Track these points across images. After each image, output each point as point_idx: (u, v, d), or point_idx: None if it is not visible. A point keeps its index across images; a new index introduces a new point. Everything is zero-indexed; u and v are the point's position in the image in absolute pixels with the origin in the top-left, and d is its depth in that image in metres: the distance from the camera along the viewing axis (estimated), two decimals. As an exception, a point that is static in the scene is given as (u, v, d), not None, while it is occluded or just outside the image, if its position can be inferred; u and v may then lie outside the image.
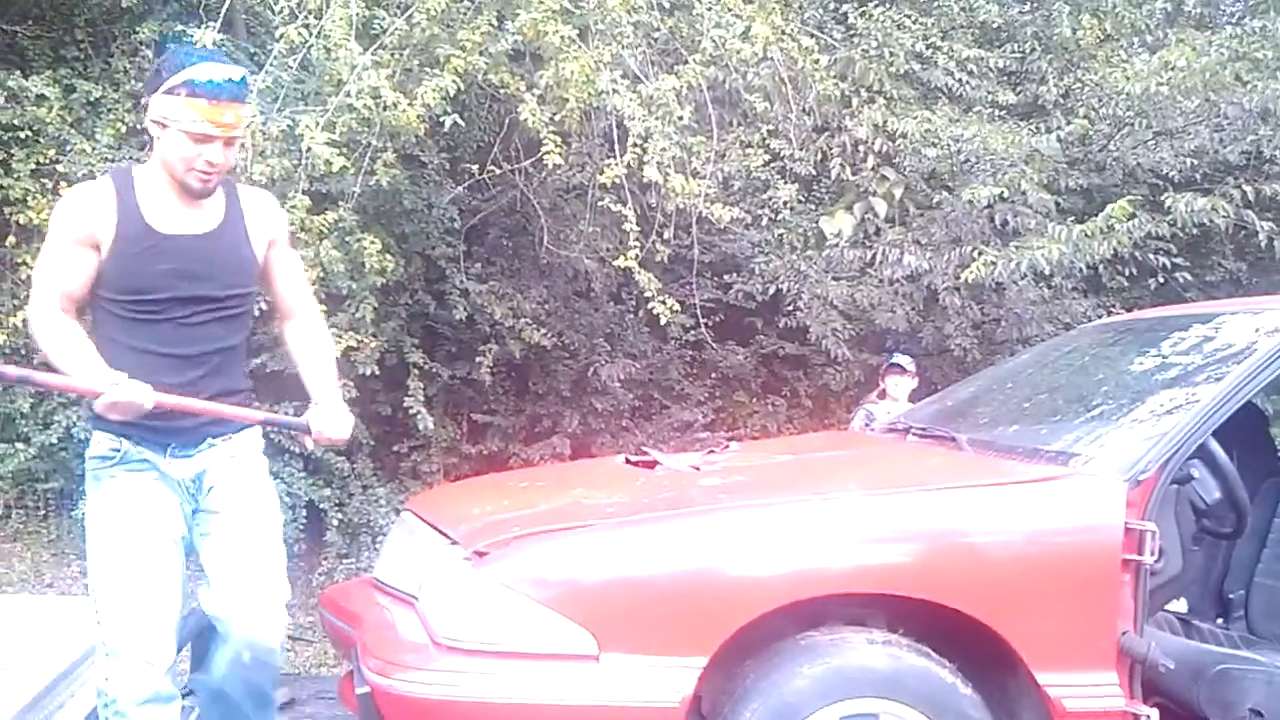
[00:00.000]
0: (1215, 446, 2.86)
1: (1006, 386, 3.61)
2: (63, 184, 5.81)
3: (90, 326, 2.39)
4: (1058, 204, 7.36)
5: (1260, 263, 7.53)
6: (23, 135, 5.81)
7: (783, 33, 4.95)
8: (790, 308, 7.22)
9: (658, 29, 4.93)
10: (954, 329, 7.69)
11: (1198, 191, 6.79)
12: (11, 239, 5.82)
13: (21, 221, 5.63)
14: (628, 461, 3.24)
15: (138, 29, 6.12)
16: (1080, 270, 7.39)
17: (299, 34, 4.34)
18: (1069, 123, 7.20)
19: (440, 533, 2.71)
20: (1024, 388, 3.52)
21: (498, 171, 5.39)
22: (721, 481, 2.96)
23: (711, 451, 3.39)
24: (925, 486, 2.66)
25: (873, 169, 7.07)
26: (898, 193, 7.17)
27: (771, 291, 7.49)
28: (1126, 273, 7.72)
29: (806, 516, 2.54)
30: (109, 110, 6.11)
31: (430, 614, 2.48)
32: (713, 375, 7.99)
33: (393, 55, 4.65)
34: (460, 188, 5.63)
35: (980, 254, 5.81)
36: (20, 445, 5.95)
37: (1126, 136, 7.70)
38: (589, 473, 3.62)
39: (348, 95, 4.29)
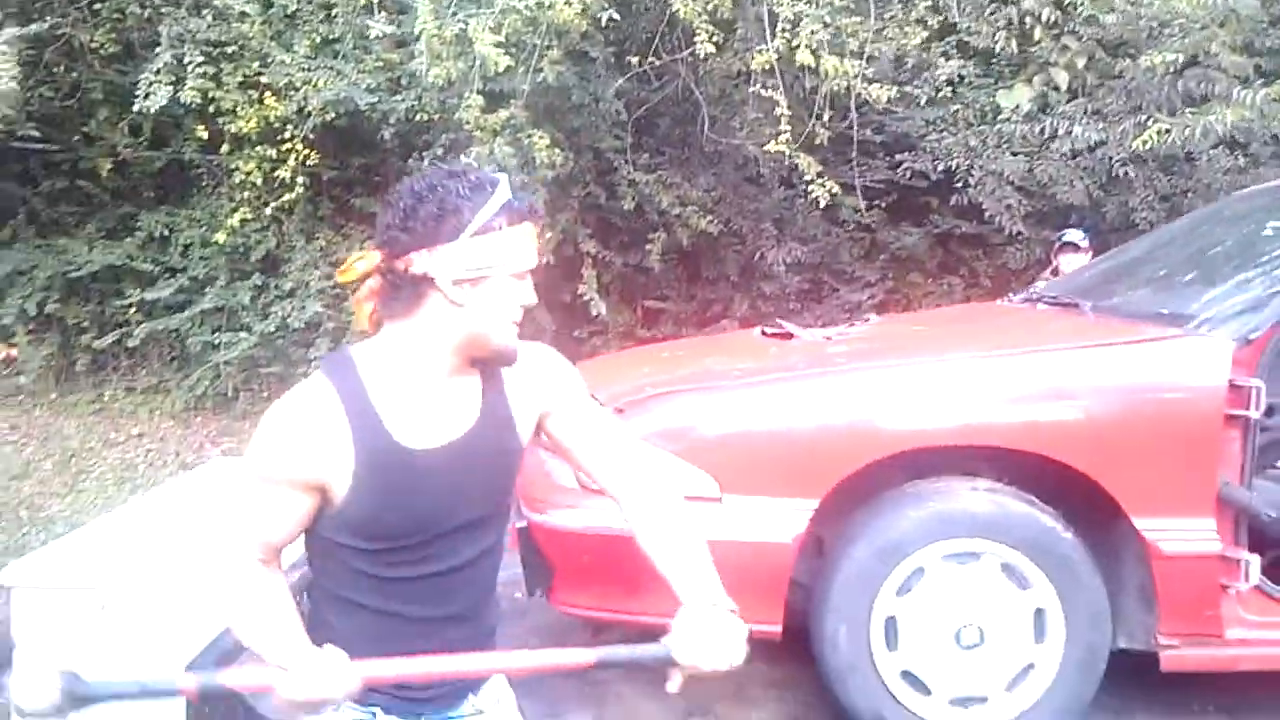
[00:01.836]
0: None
1: (1149, 254, 3.63)
2: (267, 94, 6.39)
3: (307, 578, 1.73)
4: (1258, 67, 6.99)
5: None
6: (230, 50, 6.38)
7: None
8: (963, 185, 7.16)
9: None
10: (1140, 202, 7.46)
11: None
12: (225, 147, 6.45)
13: (233, 130, 6.23)
14: (763, 334, 3.48)
15: (329, -59, 6.57)
16: (1276, 137, 7.04)
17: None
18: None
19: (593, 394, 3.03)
20: (1163, 255, 3.54)
21: (657, 63, 5.59)
22: (848, 348, 3.17)
23: (851, 324, 3.59)
24: (1037, 347, 2.80)
25: (1054, 38, 6.90)
26: (1080, 62, 6.97)
27: (944, 169, 7.44)
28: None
29: (919, 375, 2.74)
30: (304, 22, 6.61)
31: (577, 462, 2.83)
32: (884, 256, 8.03)
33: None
34: (621, 80, 5.85)
35: (1155, 121, 5.63)
36: (244, 334, 6.65)
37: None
38: (727, 343, 3.88)
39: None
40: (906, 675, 2.64)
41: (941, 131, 7.28)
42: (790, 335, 3.38)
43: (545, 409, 1.71)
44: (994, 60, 7.55)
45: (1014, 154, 7.17)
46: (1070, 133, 6.20)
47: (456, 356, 1.60)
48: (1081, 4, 5.99)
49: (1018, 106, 6.86)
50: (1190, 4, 6.40)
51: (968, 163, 7.13)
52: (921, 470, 2.71)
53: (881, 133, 7.58)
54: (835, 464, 2.61)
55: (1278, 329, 2.64)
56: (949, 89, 6.88)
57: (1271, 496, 2.72)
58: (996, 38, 6.67)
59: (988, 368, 2.75)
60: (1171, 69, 6.62)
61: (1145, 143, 5.71)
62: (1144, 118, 6.13)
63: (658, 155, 7.02)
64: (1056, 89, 6.92)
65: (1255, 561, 2.61)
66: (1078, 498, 2.67)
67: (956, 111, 7.42)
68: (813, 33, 4.63)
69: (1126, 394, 2.66)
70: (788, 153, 5.05)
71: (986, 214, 7.23)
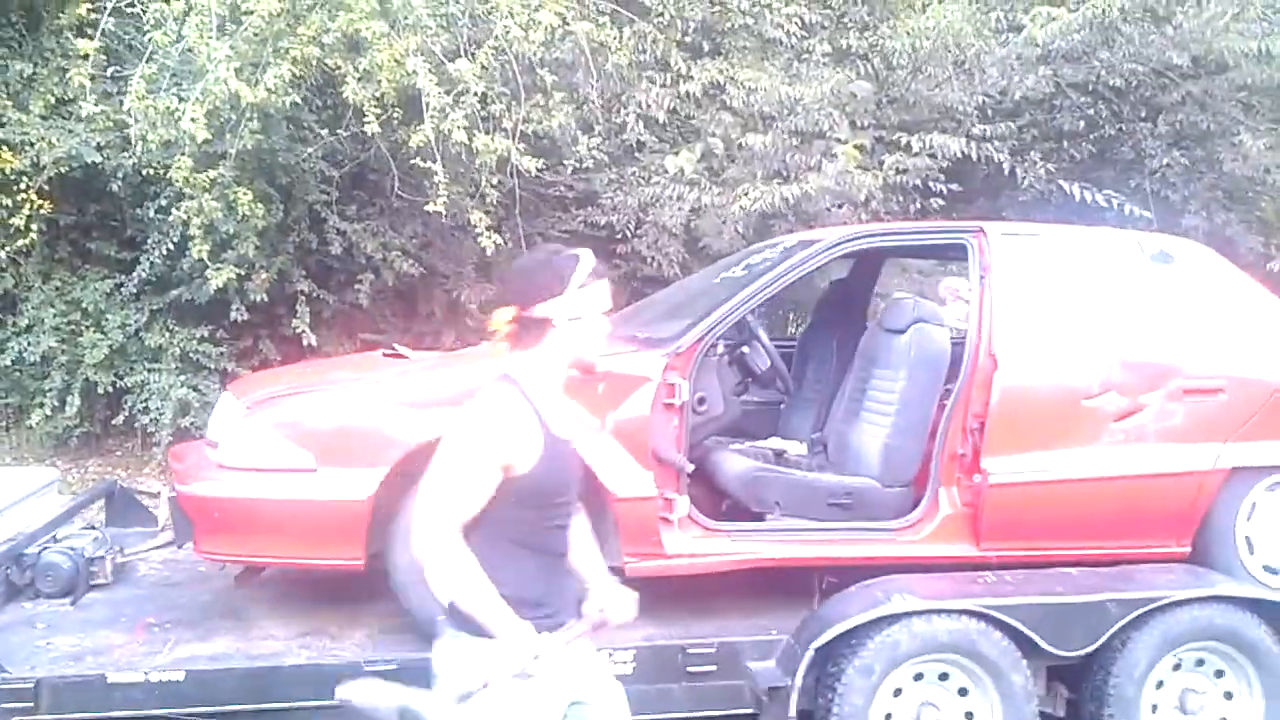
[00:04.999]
0: (761, 332, 4.25)
1: (666, 296, 4.97)
2: (3, 149, 7.11)
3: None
4: (880, 138, 8.63)
5: (1033, 191, 8.73)
6: (-34, 110, 7.08)
7: (564, 20, 6.18)
8: (623, 236, 8.49)
9: (460, 19, 6.17)
10: (781, 250, 8.96)
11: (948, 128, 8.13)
12: (-39, 199, 7.13)
13: (-34, 183, 6.94)
14: (384, 354, 4.59)
15: (62, 13, 7.34)
16: (896, 198, 8.63)
17: (165, 36, 5.61)
18: (881, 67, 8.50)
19: (235, 398, 4.07)
20: (671, 296, 4.87)
21: (345, 134, 6.68)
22: (426, 364, 4.31)
23: (452, 349, 4.74)
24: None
25: (711, 113, 8.37)
26: (734, 134, 8.44)
27: (624, 221, 8.75)
28: (935, 203, 8.89)
29: (445, 378, 3.91)
30: (40, 84, 7.35)
31: (217, 446, 3.85)
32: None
33: (249, 47, 5.88)
34: (309, 150, 6.91)
35: (747, 191, 7.10)
36: (-24, 368, 7.29)
37: (925, 79, 8.91)
38: (353, 362, 4.98)
39: (207, 84, 5.55)
40: (452, 588, 3.76)
41: (616, 189, 8.60)
42: (401, 355, 4.50)
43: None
44: (667, 128, 8.97)
45: (679, 209, 8.54)
46: (689, 197, 7.54)
47: (564, 370, 2.44)
48: (693, 93, 7.42)
49: (681, 169, 8.26)
50: (807, 92, 7.99)
51: (637, 216, 8.47)
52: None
53: (573, 190, 8.90)
54: (395, 444, 3.71)
55: (697, 346, 3.94)
56: (635, 151, 8.24)
57: (724, 461, 4.06)
58: (660, 113, 8.08)
59: (484, 370, 3.90)
60: (794, 142, 8.18)
61: (742, 207, 7.19)
62: (747, 185, 7.57)
63: (368, 206, 8.08)
64: (715, 155, 8.38)
65: (684, 500, 3.88)
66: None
67: (633, 172, 8.76)
68: (461, 119, 5.79)
69: (594, 387, 3.86)
70: (444, 213, 6.19)
71: (650, 259, 8.57)
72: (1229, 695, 3.99)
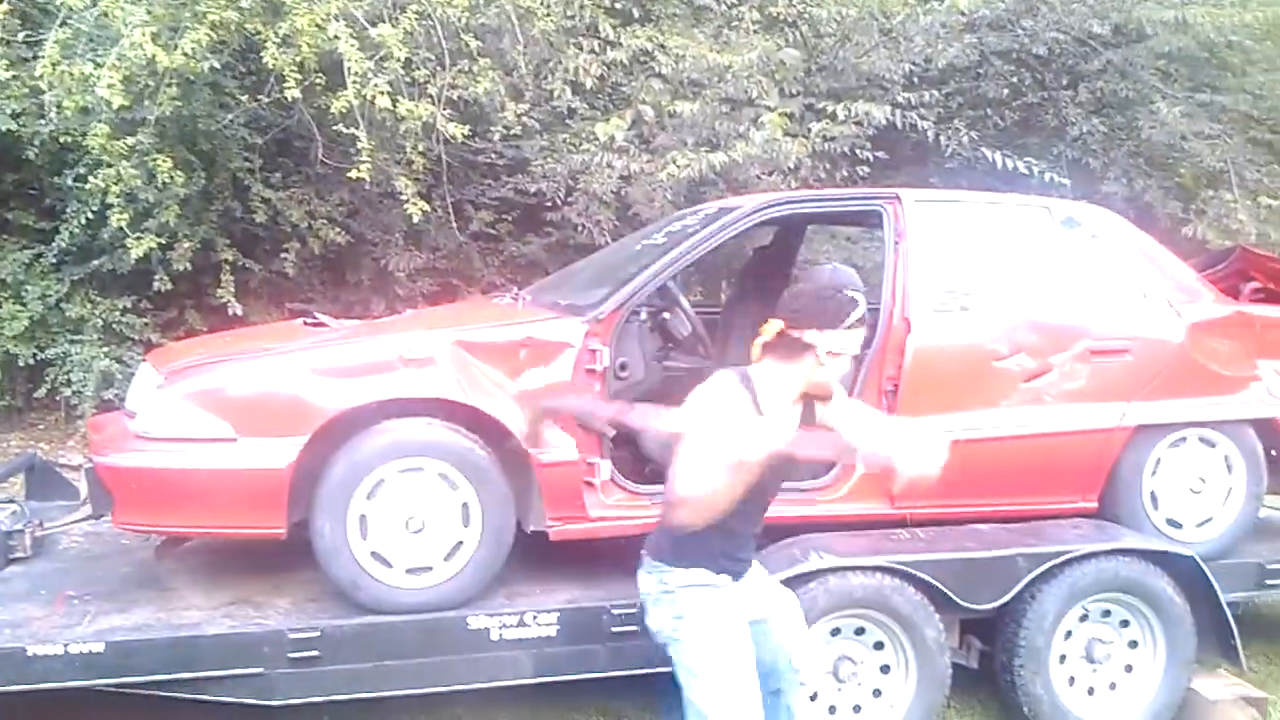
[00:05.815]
0: (682, 298, 4.29)
1: (590, 264, 4.99)
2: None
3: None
4: (810, 106, 8.68)
5: (959, 158, 8.85)
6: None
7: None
8: (553, 205, 8.48)
9: (383, -17, 6.12)
10: (712, 216, 9.00)
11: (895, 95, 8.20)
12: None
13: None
14: (305, 323, 4.56)
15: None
16: (824, 165, 8.71)
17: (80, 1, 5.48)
18: (809, 34, 8.53)
19: (154, 368, 4.02)
20: (596, 264, 4.90)
21: (266, 100, 6.58)
22: (348, 331, 4.29)
23: (378, 318, 4.71)
24: (467, 325, 4.03)
25: (642, 80, 8.35)
26: (664, 101, 8.44)
27: (554, 189, 8.73)
28: (862, 171, 9.00)
29: (366, 347, 3.89)
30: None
31: (135, 416, 3.82)
32: (513, 263, 9.28)
33: (166, 10, 5.77)
34: (231, 116, 6.80)
35: (675, 159, 7.12)
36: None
37: (853, 46, 8.99)
38: (274, 330, 4.94)
39: (122, 49, 5.43)
40: (375, 555, 3.77)
41: (546, 157, 8.57)
42: (322, 324, 4.47)
43: (824, 409, 2.92)
44: (597, 95, 8.95)
45: (609, 176, 8.53)
46: (614, 164, 7.54)
47: (802, 392, 2.79)
48: (654, 52, 7.41)
49: (612, 136, 8.25)
50: (736, 60, 8.00)
51: (568, 184, 8.46)
52: (395, 412, 3.82)
53: (503, 157, 8.86)
54: (316, 412, 3.70)
55: (618, 312, 3.97)
56: (565, 118, 8.20)
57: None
58: (589, 80, 8.05)
59: (420, 338, 3.90)
60: (721, 110, 8.20)
61: (671, 175, 7.22)
62: (676, 153, 7.59)
63: (294, 174, 7.98)
64: (646, 122, 8.38)
65: (606, 464, 3.93)
66: (494, 431, 3.88)
67: (563, 140, 8.74)
68: (384, 84, 5.74)
69: (516, 354, 3.90)
70: (369, 180, 6.14)
71: (580, 227, 8.56)
72: (1134, 644, 4.17)
